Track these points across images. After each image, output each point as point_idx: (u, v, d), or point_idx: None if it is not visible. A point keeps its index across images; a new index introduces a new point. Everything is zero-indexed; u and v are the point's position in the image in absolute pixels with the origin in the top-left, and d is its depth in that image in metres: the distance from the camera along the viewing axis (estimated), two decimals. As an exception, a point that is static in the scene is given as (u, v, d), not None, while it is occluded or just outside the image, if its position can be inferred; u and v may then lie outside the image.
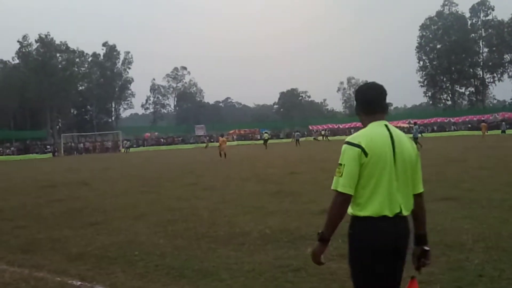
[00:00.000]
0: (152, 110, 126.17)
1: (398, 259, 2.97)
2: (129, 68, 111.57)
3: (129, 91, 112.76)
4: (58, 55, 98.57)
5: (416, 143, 34.27)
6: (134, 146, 79.93)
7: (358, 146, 2.91)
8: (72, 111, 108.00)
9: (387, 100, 3.16)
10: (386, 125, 3.02)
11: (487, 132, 46.50)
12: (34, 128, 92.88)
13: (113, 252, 7.24)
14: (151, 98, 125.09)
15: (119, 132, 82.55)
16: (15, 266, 6.77)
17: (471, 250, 6.23)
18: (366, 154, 2.90)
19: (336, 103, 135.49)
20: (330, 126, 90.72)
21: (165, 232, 8.47)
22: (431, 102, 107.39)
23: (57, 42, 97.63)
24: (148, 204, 12.28)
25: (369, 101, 3.11)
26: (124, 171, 25.92)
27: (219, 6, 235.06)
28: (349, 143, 2.96)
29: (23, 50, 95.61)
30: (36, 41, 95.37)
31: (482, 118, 63.02)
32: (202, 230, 8.47)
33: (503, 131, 53.45)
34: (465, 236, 6.86)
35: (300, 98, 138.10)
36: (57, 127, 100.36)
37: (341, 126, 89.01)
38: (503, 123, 60.00)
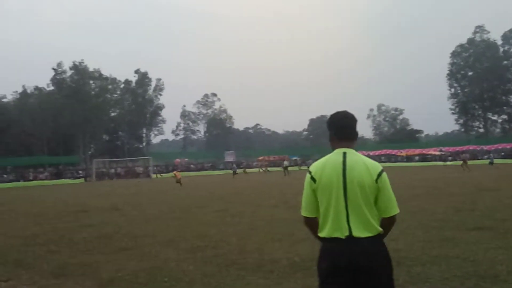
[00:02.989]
0: (182, 136, 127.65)
1: (357, 278, 3.03)
2: (161, 94, 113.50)
3: (160, 117, 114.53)
4: (91, 82, 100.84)
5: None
6: (164, 172, 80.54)
7: (310, 172, 3.24)
8: (104, 137, 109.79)
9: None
10: (344, 153, 3.20)
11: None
12: (67, 153, 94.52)
13: (143, 278, 7.28)
14: (182, 124, 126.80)
15: (150, 158, 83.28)
16: (47, 290, 6.86)
17: (506, 281, 6.10)
18: (314, 180, 3.19)
19: (365, 130, 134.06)
20: (360, 153, 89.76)
21: (194, 259, 8.49)
22: (463, 130, 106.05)
23: (91, 69, 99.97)
24: (177, 230, 12.33)
25: (335, 129, 3.32)
26: (154, 197, 26.11)
27: (249, 36, 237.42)
28: (308, 169, 3.30)
29: (58, 77, 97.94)
30: (70, 68, 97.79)
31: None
32: (231, 257, 8.46)
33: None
34: (499, 267, 6.71)
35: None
36: (89, 152, 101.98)
37: (371, 153, 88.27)
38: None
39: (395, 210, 3.18)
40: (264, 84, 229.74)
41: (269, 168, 77.82)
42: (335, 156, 3.22)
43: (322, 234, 3.16)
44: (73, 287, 6.97)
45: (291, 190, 24.47)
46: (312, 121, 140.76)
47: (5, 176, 72.82)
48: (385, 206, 3.15)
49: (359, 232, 3.06)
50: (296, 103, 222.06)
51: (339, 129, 3.29)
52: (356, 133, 3.33)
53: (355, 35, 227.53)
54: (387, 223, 3.20)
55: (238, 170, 66.82)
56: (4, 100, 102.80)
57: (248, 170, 75.90)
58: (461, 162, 47.86)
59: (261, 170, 76.48)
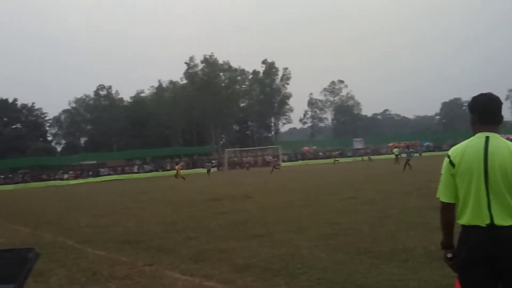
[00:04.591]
0: (310, 124, 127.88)
1: (498, 269, 2.88)
2: (288, 83, 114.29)
3: (288, 106, 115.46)
4: (221, 74, 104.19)
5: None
6: (293, 160, 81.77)
7: (448, 157, 3.12)
8: (234, 127, 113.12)
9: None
10: (487, 137, 3.01)
11: None
12: (200, 144, 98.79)
13: (276, 264, 7.42)
14: (309, 112, 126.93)
15: (279, 147, 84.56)
16: (187, 275, 7.22)
17: None
18: (453, 165, 3.06)
19: (504, 112, 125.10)
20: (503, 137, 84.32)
21: (326, 246, 8.50)
22: None
23: (220, 62, 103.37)
24: (308, 217, 12.42)
25: (479, 112, 3.13)
26: (284, 185, 26.49)
27: (373, 14, 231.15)
28: (447, 153, 3.16)
29: (190, 71, 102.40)
30: (202, 62, 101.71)
31: None
32: (363, 245, 8.37)
33: None
34: None
35: (464, 108, 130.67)
36: (221, 142, 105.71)
37: (510, 137, 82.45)
38: None
39: None
40: (392, 68, 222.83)
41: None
42: (477, 140, 3.05)
43: (461, 221, 3.04)
44: (211, 272, 7.27)
45: (424, 176, 23.60)
46: (445, 105, 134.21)
47: (145, 166, 77.98)
48: None
49: (501, 220, 2.89)
50: (427, 86, 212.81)
51: (483, 112, 3.10)
52: (501, 117, 3.12)
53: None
54: None
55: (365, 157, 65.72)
56: (142, 94, 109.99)
57: (372, 157, 74.28)
58: None
59: (364, 159, 74.14)
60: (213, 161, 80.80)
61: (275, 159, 55.10)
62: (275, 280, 6.54)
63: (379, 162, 51.98)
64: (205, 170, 59.54)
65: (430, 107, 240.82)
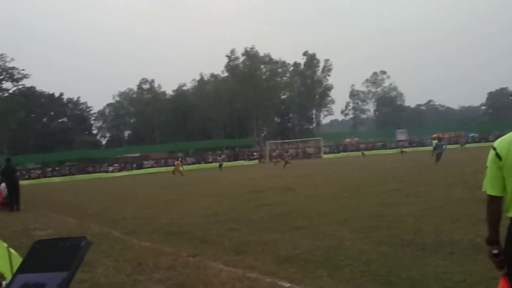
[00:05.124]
0: (351, 115, 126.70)
1: None
2: (329, 75, 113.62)
3: (329, 98, 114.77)
4: (262, 66, 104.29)
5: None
6: (335, 151, 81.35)
7: (494, 149, 3.03)
8: (275, 119, 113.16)
9: None
10: None
11: None
12: (242, 136, 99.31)
13: (319, 256, 7.41)
14: (351, 104, 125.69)
15: (321, 139, 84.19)
16: (230, 266, 7.28)
17: None
18: (500, 158, 2.97)
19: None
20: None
21: (369, 238, 8.42)
22: None
23: (261, 54, 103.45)
24: (351, 209, 12.33)
25: None
26: (326, 177, 26.36)
27: (415, 0, 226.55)
28: (492, 145, 3.07)
29: (231, 64, 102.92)
30: (242, 55, 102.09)
31: None
32: (407, 237, 8.25)
33: None
34: None
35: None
36: (262, 134, 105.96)
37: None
38: None
39: None
40: (435, 58, 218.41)
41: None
42: None
43: (510, 214, 2.96)
44: (253, 263, 7.31)
45: (469, 168, 23.08)
46: (491, 95, 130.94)
47: (188, 159, 78.84)
48: None
49: None
50: (473, 77, 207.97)
51: None
52: None
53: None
54: None
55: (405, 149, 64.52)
56: (184, 88, 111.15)
57: (410, 149, 72.89)
58: None
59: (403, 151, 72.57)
60: (254, 153, 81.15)
61: (287, 153, 54.49)
62: (318, 272, 6.53)
63: (419, 154, 50.85)
64: (246, 162, 59.26)
65: (475, 98, 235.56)
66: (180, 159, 56.35)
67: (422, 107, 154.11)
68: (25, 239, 10.93)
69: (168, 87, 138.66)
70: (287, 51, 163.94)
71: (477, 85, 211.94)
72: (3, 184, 20.42)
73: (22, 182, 22.22)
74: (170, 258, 8.09)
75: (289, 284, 6.08)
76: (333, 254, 7.40)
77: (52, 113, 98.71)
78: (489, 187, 3.01)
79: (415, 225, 9.37)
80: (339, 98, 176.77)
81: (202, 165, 73.41)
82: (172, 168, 50.72)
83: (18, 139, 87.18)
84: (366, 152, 72.87)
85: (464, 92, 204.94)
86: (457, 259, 6.61)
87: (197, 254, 8.26)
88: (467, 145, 69.96)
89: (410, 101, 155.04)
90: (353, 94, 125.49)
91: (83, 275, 7.16)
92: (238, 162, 73.53)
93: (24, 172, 65.46)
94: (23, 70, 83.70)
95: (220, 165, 55.64)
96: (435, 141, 49.03)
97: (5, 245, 5.79)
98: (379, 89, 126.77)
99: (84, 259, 0.66)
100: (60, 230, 12.78)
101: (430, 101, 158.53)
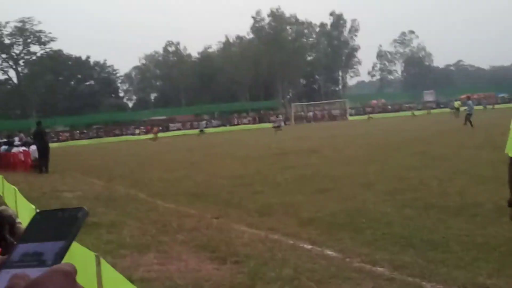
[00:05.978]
0: (378, 77, 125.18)
1: None
2: (356, 36, 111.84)
3: (356, 59, 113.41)
4: (288, 27, 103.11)
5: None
6: (361, 114, 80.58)
7: None
8: (301, 81, 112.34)
9: None
10: None
11: None
12: (267, 98, 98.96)
13: (342, 218, 7.45)
14: (378, 65, 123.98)
15: (346, 101, 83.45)
16: (253, 228, 7.38)
17: None
18: None
19: None
20: None
21: (393, 201, 8.41)
22: None
23: (287, 15, 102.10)
24: (375, 172, 12.29)
25: None
26: (351, 140, 26.20)
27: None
28: None
29: (257, 25, 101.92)
30: (268, 16, 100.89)
31: None
32: (431, 200, 8.22)
33: None
34: None
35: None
36: (288, 97, 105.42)
37: None
38: None
39: None
40: (466, 17, 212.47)
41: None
42: None
43: None
44: (276, 225, 7.39)
45: (497, 129, 22.69)
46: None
47: (213, 121, 79.12)
48: None
49: None
50: (505, 36, 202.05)
51: None
52: None
53: None
54: None
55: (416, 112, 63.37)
56: (210, 50, 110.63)
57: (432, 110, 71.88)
58: None
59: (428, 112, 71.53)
60: (280, 116, 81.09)
61: (279, 118, 53.50)
62: (340, 234, 6.57)
63: (446, 115, 50.05)
64: (271, 125, 58.22)
65: (507, 57, 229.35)
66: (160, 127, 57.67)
67: (451, 68, 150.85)
68: (54, 201, 11.21)
69: (194, 50, 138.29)
70: (314, 11, 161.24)
71: (509, 45, 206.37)
72: (34, 146, 20.84)
73: (51, 145, 22.54)
74: (194, 219, 8.22)
75: (310, 246, 6.14)
76: (356, 217, 7.43)
77: (79, 76, 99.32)
78: (511, 150, 2.97)
79: (440, 187, 9.33)
80: (366, 59, 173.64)
81: (227, 128, 73.60)
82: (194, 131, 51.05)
83: (47, 102, 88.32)
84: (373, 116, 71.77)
85: (495, 52, 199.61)
86: (480, 221, 6.59)
87: (221, 216, 8.38)
88: (496, 106, 68.66)
89: (439, 62, 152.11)
90: (380, 55, 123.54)
91: (109, 236, 7.34)
92: (263, 125, 73.41)
93: (53, 135, 66.50)
94: (50, 33, 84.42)
95: (278, 126, 47.13)
96: (457, 102, 48.04)
97: (33, 207, 5.95)
98: (407, 50, 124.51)
99: (81, 228, 0.67)
100: (87, 192, 13.04)
101: (459, 61, 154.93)
